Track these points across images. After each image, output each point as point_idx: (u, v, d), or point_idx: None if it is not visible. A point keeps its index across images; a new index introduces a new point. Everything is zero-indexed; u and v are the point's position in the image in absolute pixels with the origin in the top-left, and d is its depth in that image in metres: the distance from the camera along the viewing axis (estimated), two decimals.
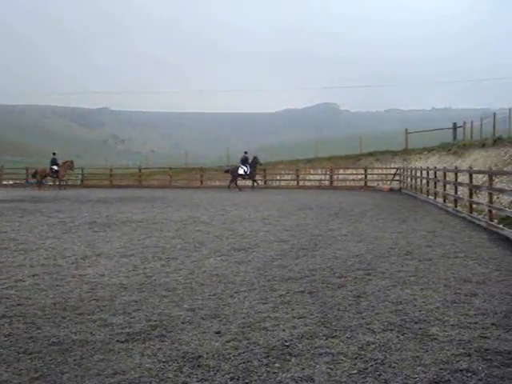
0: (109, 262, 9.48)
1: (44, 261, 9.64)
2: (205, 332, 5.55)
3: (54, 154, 39.52)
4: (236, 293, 7.20)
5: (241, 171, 35.85)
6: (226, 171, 36.75)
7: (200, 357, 4.87)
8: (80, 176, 45.62)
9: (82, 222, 15.88)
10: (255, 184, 36.50)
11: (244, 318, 6.05)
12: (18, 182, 44.39)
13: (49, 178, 39.22)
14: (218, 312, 6.28)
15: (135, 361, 4.80)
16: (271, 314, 6.20)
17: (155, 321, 5.95)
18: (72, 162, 39.55)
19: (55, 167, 38.30)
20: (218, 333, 5.52)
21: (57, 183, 38.76)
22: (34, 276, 8.36)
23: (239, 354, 4.95)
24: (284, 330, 5.58)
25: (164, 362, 4.77)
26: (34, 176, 39.78)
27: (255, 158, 36.35)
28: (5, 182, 43.56)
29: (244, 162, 36.27)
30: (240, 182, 35.83)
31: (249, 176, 36.12)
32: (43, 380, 4.43)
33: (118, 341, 5.32)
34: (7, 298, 7.01)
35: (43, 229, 14.23)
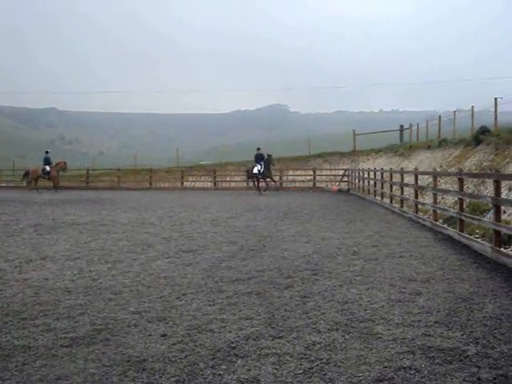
0: (54, 266, 9.29)
1: None
2: (150, 335, 5.50)
3: (46, 152, 37.13)
4: (183, 295, 7.16)
5: (255, 170, 32.28)
6: (247, 171, 33.55)
7: (145, 360, 4.82)
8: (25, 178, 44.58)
9: (27, 224, 15.53)
10: (268, 185, 32.81)
11: (191, 320, 6.02)
12: None
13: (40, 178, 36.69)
14: (165, 315, 6.23)
15: (79, 366, 4.72)
16: (218, 315, 6.19)
17: (100, 325, 5.87)
18: (65, 162, 37.01)
19: (47, 167, 35.98)
20: (164, 336, 5.48)
21: (54, 185, 36.23)
22: None
23: (185, 356, 4.92)
24: (230, 332, 5.57)
25: (108, 366, 4.71)
26: (24, 176, 37.36)
27: (269, 156, 32.59)
28: None
29: (259, 159, 32.39)
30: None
31: (262, 176, 32.31)
32: None
33: (61, 345, 5.22)
34: None
35: None
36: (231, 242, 11.91)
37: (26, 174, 37.22)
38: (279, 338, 5.40)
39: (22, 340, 5.40)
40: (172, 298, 6.99)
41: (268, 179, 32.74)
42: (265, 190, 31.98)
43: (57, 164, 36.52)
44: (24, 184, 37.71)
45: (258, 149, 33.11)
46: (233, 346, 5.17)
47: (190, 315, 6.20)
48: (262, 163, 32.03)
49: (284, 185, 38.47)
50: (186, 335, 5.49)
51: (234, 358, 4.85)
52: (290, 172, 39.96)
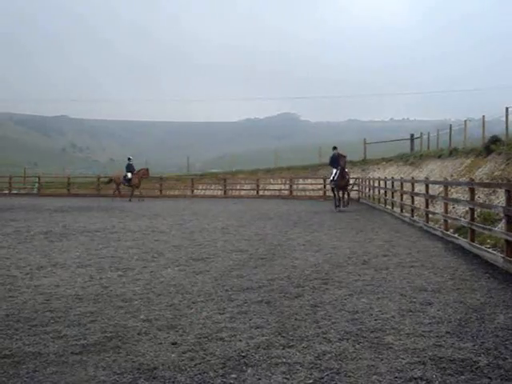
0: (64, 273, 9.33)
1: None
2: (161, 343, 5.50)
3: (129, 159, 35.50)
4: (193, 303, 7.16)
5: (331, 176, 25.02)
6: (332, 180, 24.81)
7: (155, 368, 4.82)
8: (36, 185, 44.90)
9: (38, 231, 15.61)
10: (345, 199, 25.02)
11: (201, 328, 6.02)
12: None
13: (122, 186, 35.36)
14: (175, 323, 6.23)
15: (89, 373, 4.72)
16: (228, 324, 6.18)
17: (111, 332, 5.87)
18: (147, 169, 35.69)
19: (129, 175, 34.45)
20: (175, 344, 5.48)
21: (132, 193, 34.81)
22: None
23: (195, 365, 4.92)
24: (241, 341, 5.56)
25: (119, 373, 4.71)
26: (108, 183, 36.49)
27: (343, 157, 24.28)
28: None
29: (334, 162, 24.47)
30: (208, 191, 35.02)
31: (335, 183, 24.54)
32: None
33: (72, 353, 5.23)
34: None
35: None
36: (241, 250, 11.91)
37: (110, 181, 36.31)
38: (289, 347, 5.39)
39: (32, 347, 5.41)
40: (182, 306, 6.99)
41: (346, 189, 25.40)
42: (345, 206, 24.65)
43: (139, 171, 35.11)
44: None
45: (335, 148, 24.80)
46: (243, 354, 5.16)
47: (201, 323, 6.20)
48: (339, 168, 24.08)
49: (294, 193, 38.45)
50: (196, 343, 5.49)
51: (244, 367, 4.85)
52: (300, 181, 39.99)
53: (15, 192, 43.16)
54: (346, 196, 24.99)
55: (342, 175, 23.99)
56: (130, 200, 33.38)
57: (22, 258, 10.90)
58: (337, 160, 24.11)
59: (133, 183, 34.52)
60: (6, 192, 42.73)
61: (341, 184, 24.18)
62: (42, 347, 5.39)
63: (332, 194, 25.96)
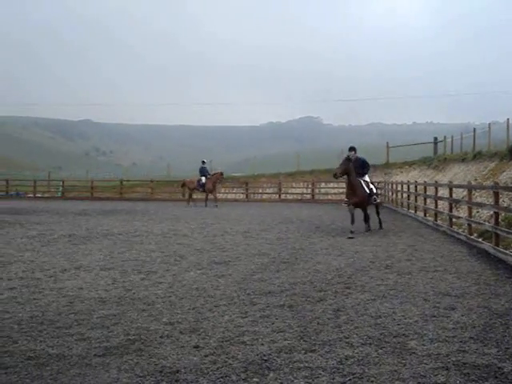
0: (88, 275, 9.40)
1: (22, 274, 9.54)
2: (183, 346, 5.51)
3: (203, 162, 33.67)
4: (215, 307, 7.17)
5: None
6: None
7: (178, 371, 4.83)
8: (60, 188, 45.38)
9: (62, 234, 15.75)
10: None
11: (223, 332, 6.02)
12: None
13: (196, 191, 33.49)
14: (197, 326, 6.24)
15: (112, 375, 4.75)
16: (250, 328, 6.17)
17: (133, 335, 5.90)
18: (221, 173, 33.91)
19: (203, 179, 32.55)
20: (197, 347, 5.49)
21: (206, 197, 32.96)
22: (11, 289, 8.26)
23: (217, 368, 4.91)
24: (263, 344, 5.55)
25: (141, 376, 4.73)
26: (182, 187, 34.69)
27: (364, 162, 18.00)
28: None
29: (362, 166, 17.40)
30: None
31: (347, 202, 16.96)
32: None
33: (95, 355, 5.26)
34: None
35: (22, 241, 14.09)
36: (263, 254, 11.90)
37: (183, 185, 34.66)
38: (312, 351, 5.36)
39: (56, 349, 5.45)
40: (204, 310, 7.00)
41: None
42: (368, 229, 17.16)
43: (213, 175, 33.35)
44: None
45: (351, 148, 17.40)
46: (265, 358, 5.15)
47: (223, 327, 6.20)
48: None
49: (316, 197, 38.36)
50: (218, 347, 5.49)
51: (267, 371, 4.83)
52: (323, 184, 39.87)
53: (39, 196, 43.61)
54: (369, 215, 17.33)
55: (353, 188, 16.56)
56: (205, 205, 31.74)
57: (46, 260, 11.01)
58: (361, 165, 17.15)
59: (207, 188, 32.75)
60: (31, 195, 43.23)
61: (354, 201, 16.45)
62: (65, 349, 5.43)
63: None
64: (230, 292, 8.05)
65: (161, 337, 5.84)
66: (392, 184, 31.34)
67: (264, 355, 5.24)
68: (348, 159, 16.55)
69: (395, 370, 4.84)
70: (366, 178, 17.38)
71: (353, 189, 16.59)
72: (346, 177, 16.84)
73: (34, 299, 7.61)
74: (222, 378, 4.70)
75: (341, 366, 4.95)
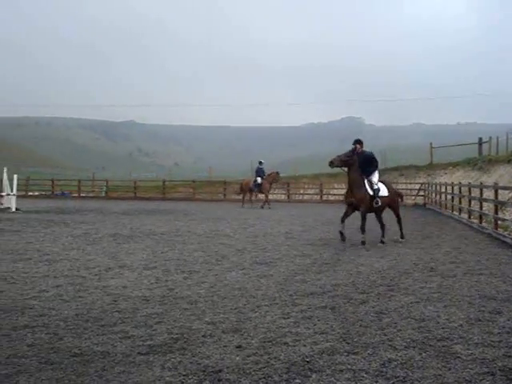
0: (131, 274, 9.53)
1: (67, 272, 9.72)
2: (226, 346, 5.54)
3: (260, 162, 32.72)
4: (257, 307, 7.18)
5: None
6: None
7: (220, 371, 4.85)
8: (104, 188, 46.11)
9: (106, 233, 15.99)
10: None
11: (265, 332, 6.02)
12: (43, 193, 44.84)
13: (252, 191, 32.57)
14: (239, 326, 6.26)
15: (156, 373, 4.80)
16: (292, 329, 6.16)
17: (176, 334, 5.95)
18: (277, 173, 32.79)
19: (259, 179, 31.60)
20: (239, 347, 5.50)
21: (265, 200, 31.79)
22: (57, 287, 8.42)
23: (260, 368, 4.92)
24: (305, 346, 5.54)
25: (184, 375, 4.77)
26: (240, 189, 33.87)
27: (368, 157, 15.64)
28: (30, 193, 44.00)
29: (368, 163, 14.69)
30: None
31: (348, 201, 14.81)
32: None
33: (139, 353, 5.32)
34: (30, 308, 7.07)
35: (67, 240, 14.35)
36: (305, 255, 11.88)
37: (241, 186, 33.85)
38: (354, 353, 5.33)
39: (101, 346, 5.54)
40: (247, 310, 7.02)
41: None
42: (383, 240, 14.53)
43: (269, 175, 32.20)
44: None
45: (357, 141, 14.80)
46: (307, 360, 5.14)
47: (265, 327, 6.21)
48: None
49: None
50: (260, 347, 5.49)
51: (309, 373, 4.82)
52: None
53: (83, 195, 44.38)
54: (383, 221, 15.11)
55: (351, 186, 14.46)
56: (262, 207, 31.01)
57: (91, 259, 11.19)
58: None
59: (263, 188, 31.85)
60: (76, 195, 44.02)
61: (350, 201, 14.46)
62: (109, 347, 5.51)
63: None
64: (271, 293, 8.06)
65: (203, 336, 5.87)
66: (435, 185, 30.89)
67: (306, 356, 5.22)
68: (353, 151, 14.38)
69: (439, 374, 4.78)
70: (375, 177, 14.55)
71: (351, 186, 14.43)
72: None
73: (80, 297, 7.74)
74: (264, 378, 4.71)
75: (384, 369, 4.91)
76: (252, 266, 10.39)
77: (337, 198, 38.43)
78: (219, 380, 4.66)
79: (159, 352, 5.35)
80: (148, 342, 5.64)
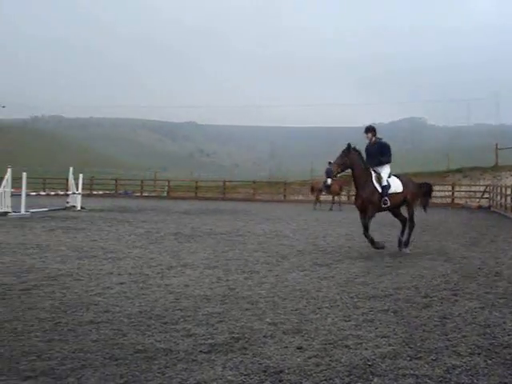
0: (193, 273, 9.64)
1: (131, 269, 9.91)
2: (286, 347, 5.53)
3: (329, 163, 29.98)
4: (318, 309, 7.14)
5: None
6: None
7: (281, 372, 4.85)
8: (166, 188, 46.87)
9: (168, 232, 16.24)
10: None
11: (326, 334, 5.99)
12: (107, 192, 45.93)
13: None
14: (300, 327, 6.24)
15: (217, 372, 4.83)
16: (354, 331, 6.10)
17: (237, 333, 5.98)
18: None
19: (329, 181, 29.79)
20: (300, 348, 5.49)
21: (333, 201, 31.53)
22: (121, 284, 8.60)
23: (321, 370, 4.90)
24: (367, 349, 5.48)
25: (246, 375, 4.78)
26: (311, 190, 33.39)
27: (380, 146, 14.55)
28: (95, 192, 45.13)
29: (380, 152, 13.10)
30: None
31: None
32: None
33: (200, 351, 5.38)
34: (95, 305, 7.24)
35: (130, 238, 14.64)
36: (366, 257, 11.76)
37: (312, 188, 33.24)
38: (417, 358, 5.23)
39: (163, 343, 5.61)
40: (307, 311, 6.99)
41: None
42: (404, 245, 13.24)
43: (340, 176, 31.85)
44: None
45: (369, 129, 13.52)
46: (369, 363, 5.08)
47: (326, 329, 6.17)
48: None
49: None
50: (321, 349, 5.47)
51: (371, 376, 4.76)
52: None
53: (146, 195, 45.23)
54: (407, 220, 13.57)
55: (358, 185, 12.68)
56: (330, 209, 30.58)
57: (154, 257, 11.38)
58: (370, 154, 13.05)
59: (333, 190, 30.77)
60: (138, 194, 44.91)
61: (358, 203, 12.69)
62: (172, 344, 5.58)
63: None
64: (332, 294, 8.01)
65: (264, 336, 5.88)
66: (501, 188, 30.07)
67: (368, 360, 5.16)
68: (347, 150, 12.45)
69: (506, 382, 4.65)
70: (385, 169, 12.69)
71: (357, 187, 12.61)
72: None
73: (143, 294, 7.88)
74: (325, 380, 4.68)
75: (448, 376, 4.80)
76: (312, 268, 10.36)
77: None
78: (280, 381, 4.66)
79: (221, 351, 5.39)
80: (210, 341, 5.68)
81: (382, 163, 12.71)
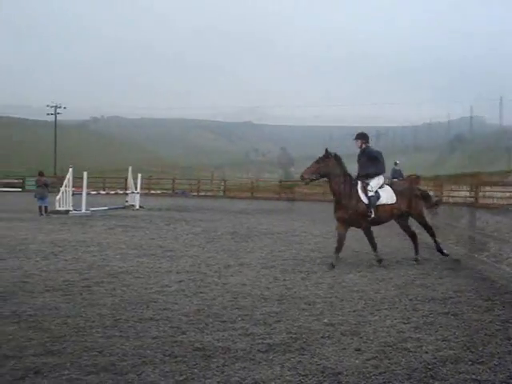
0: (250, 272, 9.68)
1: (189, 268, 10.03)
2: (345, 348, 5.49)
3: (395, 163, 29.94)
4: (377, 310, 7.07)
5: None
6: None
7: (340, 373, 4.82)
8: (222, 187, 47.24)
9: (225, 231, 16.36)
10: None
11: (385, 336, 5.92)
12: (164, 191, 46.59)
13: None
14: (358, 329, 6.19)
15: (275, 372, 4.84)
16: (413, 334, 6.01)
17: (295, 333, 5.97)
18: (418, 177, 30.07)
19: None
20: (358, 350, 5.44)
21: None
22: (179, 282, 8.71)
23: (380, 373, 4.84)
24: (427, 353, 5.38)
25: (303, 375, 4.77)
26: None
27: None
28: (152, 192, 45.82)
29: (371, 163, 11.68)
30: None
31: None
32: (187, 383, 4.59)
33: (258, 350, 5.39)
34: (154, 302, 7.36)
35: (188, 237, 14.82)
36: (425, 258, 11.55)
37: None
38: (479, 363, 5.12)
39: (222, 342, 5.66)
40: (366, 313, 6.93)
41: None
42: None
43: (408, 177, 29.35)
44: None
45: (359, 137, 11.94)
46: (429, 367, 4.99)
47: (384, 332, 6.10)
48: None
49: (480, 201, 36.58)
50: (380, 351, 5.41)
51: (431, 380, 4.69)
52: (487, 188, 37.91)
53: (202, 194, 45.68)
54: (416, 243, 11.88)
55: (338, 196, 11.37)
56: None
57: (211, 256, 11.48)
58: (360, 163, 11.83)
59: None
60: (195, 194, 45.39)
61: (339, 216, 11.43)
62: (230, 343, 5.62)
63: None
64: (391, 296, 7.90)
65: (322, 337, 5.86)
66: None
67: (428, 364, 5.08)
68: (324, 156, 11.32)
69: None
70: (375, 180, 11.36)
71: (337, 197, 11.38)
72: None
73: (201, 293, 7.96)
74: (384, 383, 4.63)
75: (511, 381, 4.69)
76: (370, 269, 10.26)
77: (457, 200, 37.21)
78: (339, 382, 4.63)
79: (278, 351, 5.39)
80: (267, 341, 5.70)
81: (371, 175, 11.35)
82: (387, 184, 11.79)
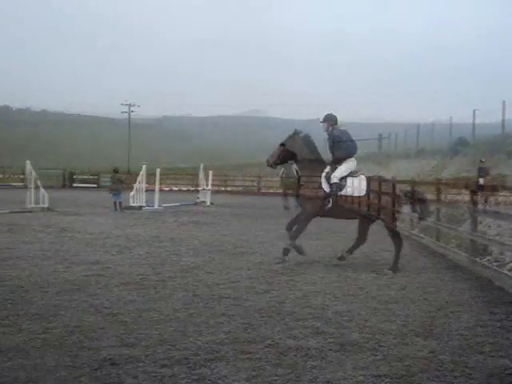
0: (320, 270, 9.69)
1: (259, 264, 10.08)
2: (419, 350, 5.38)
3: (481, 161, 28.02)
4: (451, 312, 6.91)
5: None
6: None
7: (413, 375, 4.73)
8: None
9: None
10: None
11: (460, 339, 5.76)
12: (234, 188, 46.77)
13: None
14: (432, 330, 6.07)
15: (347, 372, 4.79)
16: (490, 338, 5.84)
17: (367, 333, 5.91)
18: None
19: (481, 180, 26.60)
20: (433, 352, 5.33)
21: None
22: (250, 279, 8.77)
23: (455, 377, 4.73)
24: (503, 357, 5.22)
25: (376, 376, 4.71)
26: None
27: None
28: (223, 189, 46.05)
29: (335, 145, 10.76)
30: None
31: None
32: (259, 379, 4.61)
33: (330, 350, 5.36)
34: (226, 298, 7.43)
35: (259, 234, 14.88)
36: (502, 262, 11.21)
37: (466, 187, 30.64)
38: None
39: (293, 340, 5.65)
40: (440, 315, 6.78)
41: None
42: None
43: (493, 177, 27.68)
44: None
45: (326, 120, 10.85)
46: (508, 372, 4.84)
47: (459, 334, 5.95)
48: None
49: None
50: (455, 354, 5.27)
51: None
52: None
53: (263, 191, 45.59)
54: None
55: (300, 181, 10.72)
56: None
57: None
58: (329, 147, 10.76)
59: (486, 191, 28.88)
60: (265, 191, 45.39)
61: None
62: (302, 341, 5.60)
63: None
64: (466, 298, 7.73)
65: (395, 338, 5.77)
66: None
67: (506, 368, 4.93)
68: (291, 137, 10.62)
69: None
70: (343, 165, 10.25)
71: (299, 180, 10.56)
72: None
73: (272, 290, 7.98)
74: None
75: None
76: (444, 270, 10.06)
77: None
78: None
79: (350, 350, 5.35)
80: (339, 340, 5.65)
81: (342, 159, 10.28)
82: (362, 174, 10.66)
